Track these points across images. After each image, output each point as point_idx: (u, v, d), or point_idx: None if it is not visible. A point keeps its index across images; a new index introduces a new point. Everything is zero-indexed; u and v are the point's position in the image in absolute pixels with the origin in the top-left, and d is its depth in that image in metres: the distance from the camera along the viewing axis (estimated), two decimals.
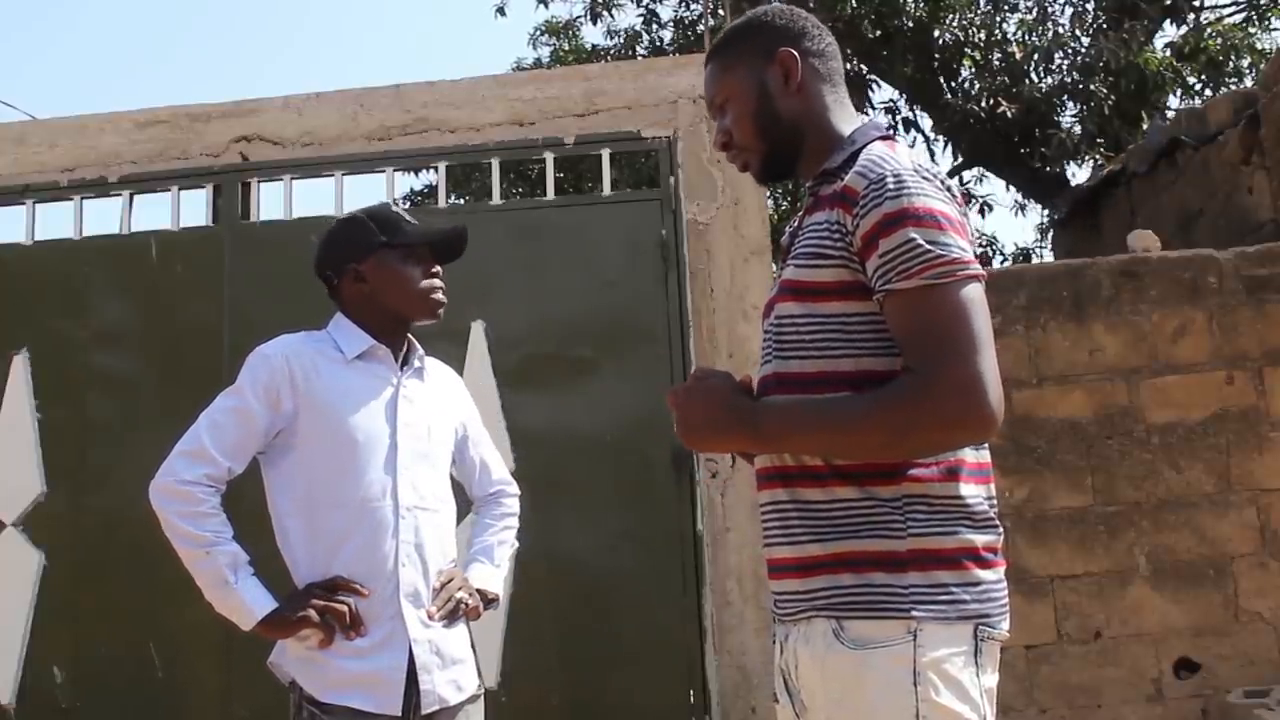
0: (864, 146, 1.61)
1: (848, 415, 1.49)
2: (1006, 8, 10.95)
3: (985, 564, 1.52)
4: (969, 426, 1.42)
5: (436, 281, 2.29)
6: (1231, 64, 10.16)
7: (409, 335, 2.32)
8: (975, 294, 1.46)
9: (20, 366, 4.35)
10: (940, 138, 11.27)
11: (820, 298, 1.55)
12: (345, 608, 2.06)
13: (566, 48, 13.08)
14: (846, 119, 1.71)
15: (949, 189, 1.55)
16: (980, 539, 1.52)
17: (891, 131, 1.69)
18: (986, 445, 1.62)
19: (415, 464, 2.21)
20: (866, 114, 11.81)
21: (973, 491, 1.54)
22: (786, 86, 1.68)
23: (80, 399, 4.33)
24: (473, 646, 2.29)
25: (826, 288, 1.54)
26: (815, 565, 1.53)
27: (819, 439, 1.53)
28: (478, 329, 4.24)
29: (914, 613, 1.45)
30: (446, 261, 2.33)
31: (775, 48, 1.69)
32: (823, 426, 1.51)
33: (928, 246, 1.45)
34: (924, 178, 1.52)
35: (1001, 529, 1.58)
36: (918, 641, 1.44)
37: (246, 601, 2.04)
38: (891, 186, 1.50)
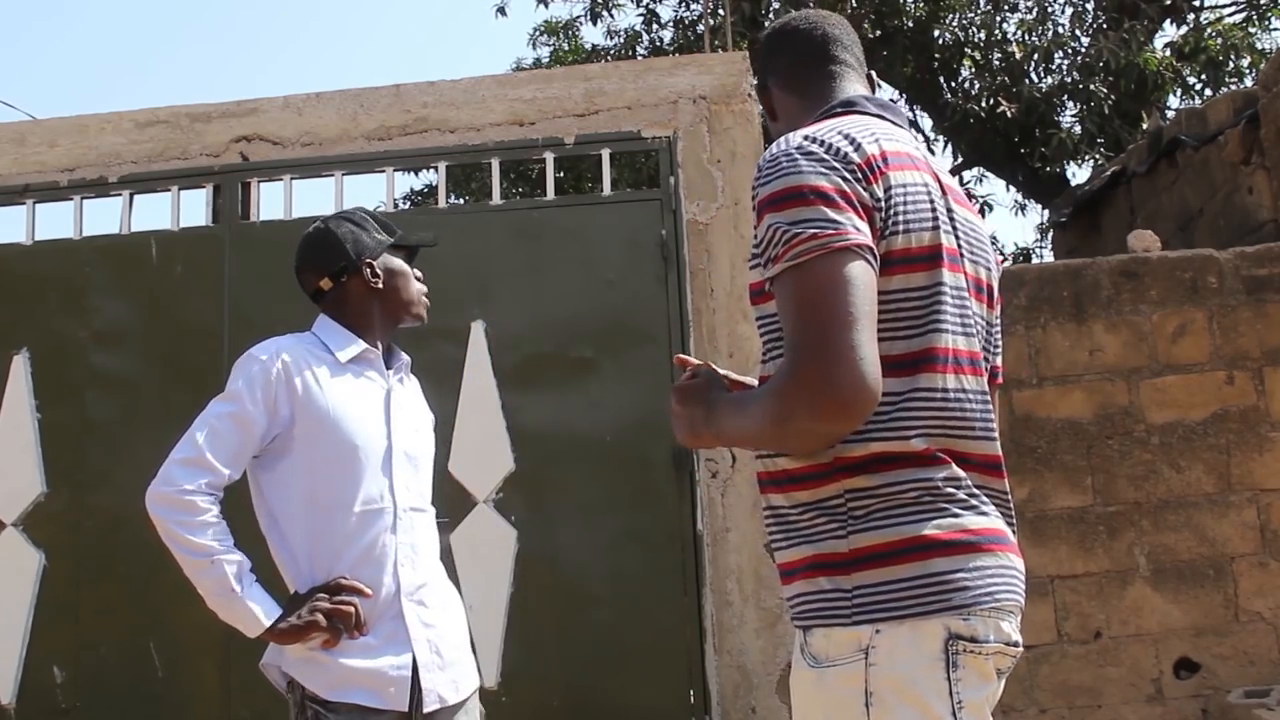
0: None
1: (747, 410, 1.46)
2: (1006, 8, 10.95)
3: (949, 550, 1.39)
4: (832, 414, 1.33)
5: (424, 286, 2.34)
6: (1231, 64, 10.16)
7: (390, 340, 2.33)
8: (836, 269, 1.34)
9: (20, 366, 4.35)
10: (940, 138, 11.27)
11: (760, 299, 1.51)
12: (351, 609, 2.06)
13: (566, 48, 13.08)
14: (812, 111, 1.62)
15: (845, 156, 1.42)
16: (936, 526, 1.39)
17: (841, 104, 1.59)
18: (974, 413, 1.48)
19: (408, 466, 2.22)
20: None
21: (937, 473, 1.42)
22: (774, 121, 1.72)
23: (80, 399, 4.33)
24: (472, 646, 2.30)
25: (759, 288, 1.50)
26: (786, 573, 1.50)
27: (741, 434, 1.51)
28: (478, 329, 4.24)
29: (857, 617, 1.37)
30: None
31: (759, 88, 1.75)
32: (739, 422, 1.48)
33: (786, 228, 1.38)
34: (804, 153, 1.43)
35: (983, 508, 1.45)
36: (870, 659, 1.36)
37: (254, 610, 2.03)
38: (763, 174, 1.44)
